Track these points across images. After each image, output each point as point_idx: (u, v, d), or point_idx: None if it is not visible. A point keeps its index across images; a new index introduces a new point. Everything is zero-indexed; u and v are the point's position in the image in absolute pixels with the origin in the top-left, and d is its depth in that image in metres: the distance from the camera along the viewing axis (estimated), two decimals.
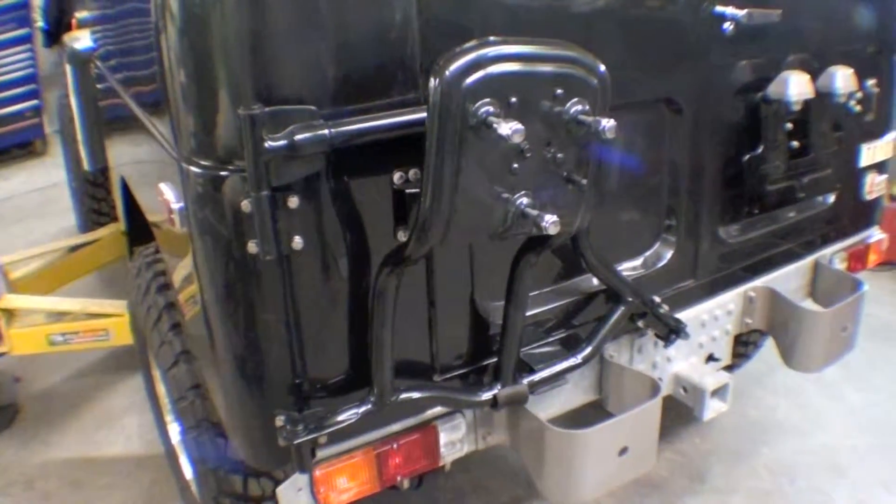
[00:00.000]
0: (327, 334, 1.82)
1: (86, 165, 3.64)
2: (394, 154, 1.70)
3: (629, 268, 2.33)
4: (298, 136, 1.49)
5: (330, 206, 1.68)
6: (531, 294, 2.07)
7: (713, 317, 2.54)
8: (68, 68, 3.31)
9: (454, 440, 2.11)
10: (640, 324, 2.23)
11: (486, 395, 1.97)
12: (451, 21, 1.71)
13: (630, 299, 2.15)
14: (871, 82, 2.59)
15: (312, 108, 1.55)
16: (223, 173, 1.58)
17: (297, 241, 1.63)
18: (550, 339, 2.18)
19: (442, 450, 2.10)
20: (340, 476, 1.99)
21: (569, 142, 1.64)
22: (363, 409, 1.83)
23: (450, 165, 1.52)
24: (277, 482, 2.08)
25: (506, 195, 1.61)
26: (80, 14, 3.33)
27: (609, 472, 2.08)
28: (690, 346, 2.51)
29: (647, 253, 2.36)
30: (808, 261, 2.78)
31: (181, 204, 1.72)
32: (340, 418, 1.82)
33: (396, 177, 1.73)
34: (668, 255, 2.35)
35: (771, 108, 2.35)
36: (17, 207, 6.31)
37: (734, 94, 2.32)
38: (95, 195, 4.74)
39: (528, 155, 1.59)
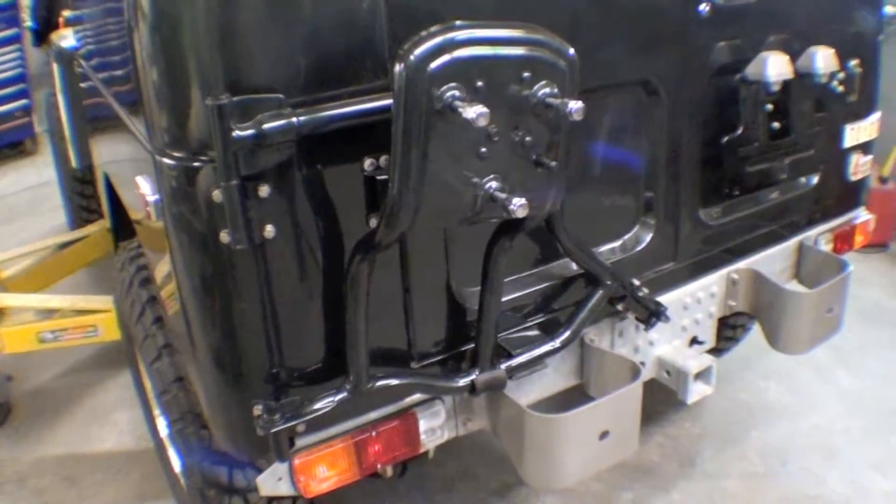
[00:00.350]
0: (303, 322, 1.82)
1: (73, 163, 3.65)
2: (364, 141, 1.70)
3: (609, 251, 2.33)
4: (266, 125, 1.49)
5: (301, 195, 1.68)
6: (509, 279, 2.08)
7: (696, 300, 2.53)
8: (55, 66, 3.32)
9: (434, 427, 2.10)
10: (620, 307, 2.23)
11: (464, 381, 1.97)
12: (420, 7, 1.70)
13: (608, 283, 2.14)
14: (853, 62, 2.58)
15: (280, 96, 1.56)
16: (196, 164, 1.59)
17: (269, 230, 1.63)
18: (529, 324, 2.18)
19: (422, 437, 2.09)
20: (320, 464, 1.98)
21: (537, 125, 1.63)
22: (339, 396, 1.83)
23: (416, 151, 1.51)
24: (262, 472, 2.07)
25: (475, 179, 1.61)
26: (66, 13, 3.33)
27: (590, 456, 2.08)
28: (673, 329, 2.50)
29: (627, 236, 2.35)
30: (792, 242, 2.77)
31: (157, 196, 1.73)
32: (316, 406, 1.82)
33: (367, 163, 1.72)
34: (648, 237, 2.35)
35: (750, 89, 2.34)
36: (7, 207, 6.31)
37: (712, 76, 2.30)
38: (84, 192, 4.75)
39: (496, 139, 1.59)
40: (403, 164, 1.53)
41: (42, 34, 4.36)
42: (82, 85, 3.09)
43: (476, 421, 2.21)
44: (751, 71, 2.32)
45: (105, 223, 4.06)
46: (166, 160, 1.61)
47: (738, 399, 3.76)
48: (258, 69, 1.55)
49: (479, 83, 1.52)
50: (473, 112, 1.44)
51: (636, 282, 2.23)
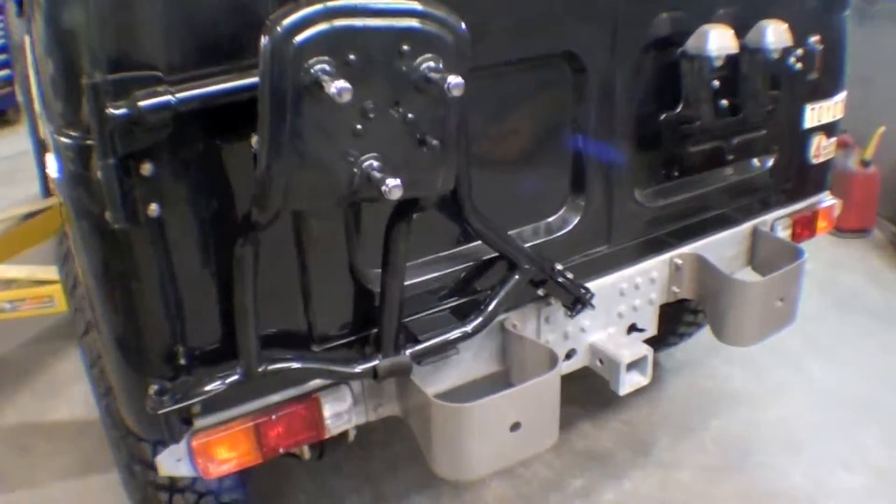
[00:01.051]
0: (198, 303, 1.76)
1: (41, 133, 3.61)
2: (253, 118, 1.61)
3: (532, 232, 2.22)
4: (142, 103, 1.44)
5: (187, 172, 1.63)
6: (420, 260, 2.00)
7: (633, 285, 2.43)
8: (26, 37, 3.29)
9: (340, 412, 2.02)
10: (541, 292, 2.13)
11: (365, 367, 1.89)
12: None
13: (526, 266, 2.04)
14: (813, 39, 2.44)
15: (159, 74, 1.50)
16: (88, 143, 1.54)
17: (154, 209, 1.59)
18: (441, 308, 2.09)
19: (327, 421, 2.02)
20: (219, 447, 1.92)
21: (420, 101, 1.53)
22: (230, 380, 1.77)
23: (284, 128, 1.43)
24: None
25: (350, 158, 1.52)
26: None
27: (500, 448, 1.99)
28: (608, 315, 2.41)
29: (553, 217, 2.25)
30: (745, 227, 2.65)
31: (59, 174, 1.69)
32: (207, 389, 1.76)
33: (255, 141, 1.64)
34: (576, 219, 2.24)
35: (691, 64, 2.22)
36: None
37: (646, 49, 2.18)
38: None
39: (372, 115, 1.50)
40: (271, 143, 1.45)
41: (24, 4, 4.31)
42: None
43: (387, 406, 2.13)
44: (691, 45, 2.20)
45: None
46: (63, 139, 1.57)
47: (700, 386, 3.65)
48: (136, 47, 1.50)
49: (351, 56, 1.43)
50: (335, 87, 1.35)
51: (558, 266, 2.13)
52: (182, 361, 1.77)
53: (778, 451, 3.25)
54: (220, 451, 1.92)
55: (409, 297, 1.94)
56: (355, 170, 1.53)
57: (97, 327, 1.83)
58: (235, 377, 1.77)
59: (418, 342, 1.96)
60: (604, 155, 2.21)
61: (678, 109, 2.28)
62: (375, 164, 1.53)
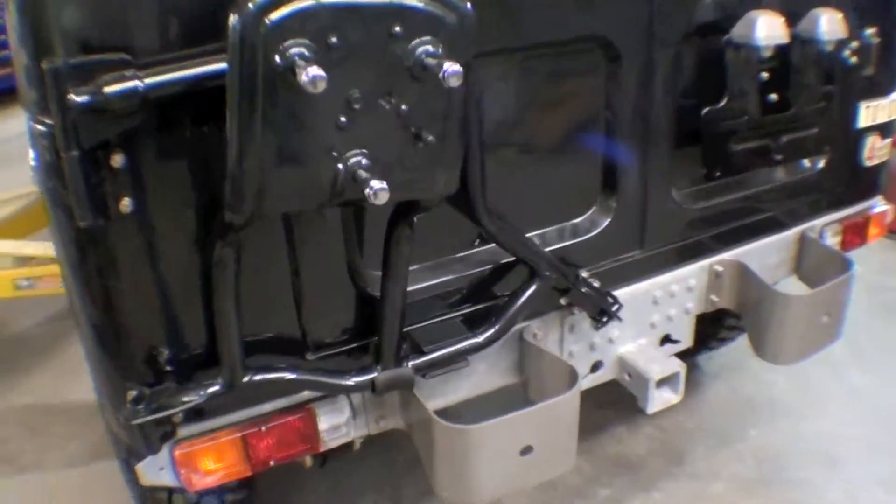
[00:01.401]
0: (177, 303, 1.63)
1: None
2: None
3: (556, 234, 2.04)
4: (107, 89, 1.31)
5: (163, 164, 1.48)
6: (430, 262, 1.86)
7: (668, 293, 2.24)
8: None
9: (337, 425, 1.88)
10: (563, 301, 1.96)
11: (362, 379, 1.74)
12: None
13: (547, 273, 1.87)
14: (870, 31, 2.22)
15: (126, 57, 1.36)
16: None
17: (127, 204, 1.45)
18: (451, 315, 1.92)
19: (322, 435, 1.87)
20: (204, 457, 1.79)
21: (415, 91, 1.36)
22: (210, 390, 1.63)
23: (255, 120, 1.28)
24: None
25: (334, 154, 1.35)
26: None
27: (509, 472, 1.83)
28: (640, 325, 2.23)
29: (580, 218, 2.07)
30: (792, 233, 2.45)
31: (36, 162, 1.58)
32: (185, 399, 1.63)
33: None
34: (606, 221, 2.06)
35: (737, 54, 2.03)
36: (3, 153, 6.25)
37: (688, 36, 1.99)
38: None
39: (358, 106, 1.33)
40: (242, 136, 1.29)
41: None
42: None
43: (390, 419, 1.98)
44: (738, 32, 2.00)
45: None
46: (37, 126, 1.46)
47: (740, 392, 3.47)
48: (102, 28, 1.36)
49: (333, 39, 1.26)
50: (307, 75, 1.18)
51: (584, 273, 1.96)
52: (165, 366, 1.65)
53: (815, 466, 3.06)
54: (204, 461, 1.80)
55: (415, 303, 1.80)
56: (340, 167, 1.36)
57: (78, 324, 1.72)
58: (216, 388, 1.63)
59: (423, 353, 1.80)
60: (639, 151, 2.02)
61: (722, 103, 2.09)
62: (364, 161, 1.37)
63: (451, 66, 1.29)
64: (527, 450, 1.82)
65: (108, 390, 1.68)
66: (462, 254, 1.94)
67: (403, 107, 1.37)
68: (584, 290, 1.94)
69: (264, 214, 1.39)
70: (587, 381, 2.21)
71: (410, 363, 1.77)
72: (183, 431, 1.75)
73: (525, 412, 1.80)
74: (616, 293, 2.07)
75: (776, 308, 2.24)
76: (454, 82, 1.30)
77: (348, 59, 1.27)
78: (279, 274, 1.68)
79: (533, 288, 1.88)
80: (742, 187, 2.28)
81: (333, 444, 1.91)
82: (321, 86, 1.19)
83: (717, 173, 2.20)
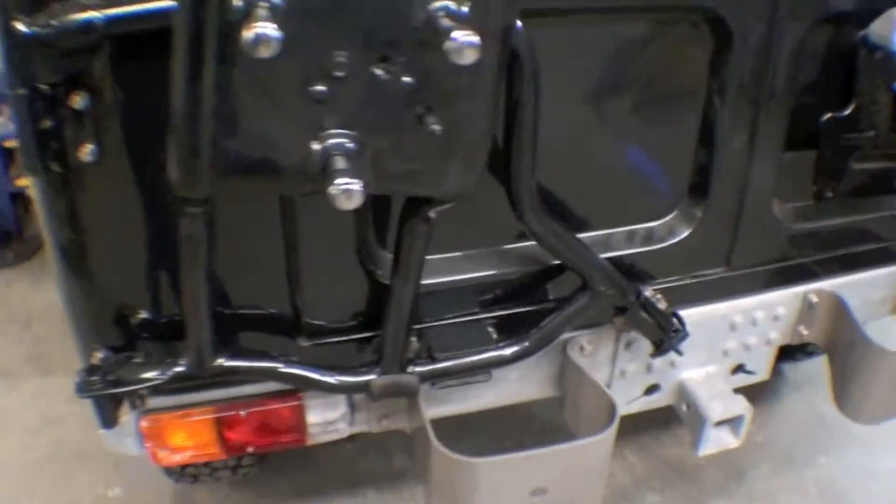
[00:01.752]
0: (146, 264, 1.44)
1: None
2: None
3: (625, 238, 1.72)
4: (58, 21, 1.11)
5: (130, 108, 1.28)
6: (462, 252, 1.59)
7: (750, 319, 1.89)
8: None
9: (330, 420, 1.62)
10: (616, 322, 1.62)
11: (355, 380, 1.47)
12: None
13: (601, 288, 1.53)
14: None
15: None
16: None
17: (90, 151, 1.27)
18: (478, 317, 1.63)
19: (311, 428, 1.63)
20: (173, 433, 1.60)
21: (424, 60, 1.04)
22: (174, 370, 1.41)
23: (203, 79, 1.00)
24: None
25: (306, 133, 1.07)
26: None
27: None
28: (710, 351, 1.89)
29: (656, 223, 1.73)
30: None
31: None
32: (144, 376, 1.42)
33: None
34: (689, 230, 1.71)
35: (872, 56, 1.62)
36: None
37: (816, 25, 1.58)
38: None
39: (342, 73, 1.02)
40: (187, 101, 1.02)
41: None
42: None
43: (394, 419, 1.72)
44: (876, 30, 1.61)
45: None
46: None
47: (817, 411, 3.10)
48: None
49: None
50: (253, 33, 0.89)
51: (647, 291, 1.61)
52: (138, 331, 1.48)
53: None
54: (173, 437, 1.61)
55: (437, 294, 1.54)
56: (316, 147, 1.07)
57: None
58: (180, 369, 1.41)
59: (434, 360, 1.51)
60: (740, 153, 1.66)
61: (847, 111, 1.70)
62: (349, 145, 1.07)
63: (464, 36, 0.95)
64: (539, 491, 1.54)
65: (81, 346, 1.52)
66: (503, 247, 1.63)
67: (406, 79, 1.05)
68: (643, 314, 1.60)
69: (212, 194, 1.12)
70: (638, 405, 1.92)
71: (417, 369, 1.49)
72: (152, 402, 1.57)
73: (540, 452, 1.52)
74: (687, 312, 1.74)
75: (867, 360, 1.89)
76: (468, 58, 0.96)
77: (331, 9, 0.97)
78: (270, 239, 1.43)
79: (580, 303, 1.56)
80: (855, 211, 1.91)
81: (324, 440, 1.67)
82: (267, 50, 0.90)
83: (829, 192, 1.80)
